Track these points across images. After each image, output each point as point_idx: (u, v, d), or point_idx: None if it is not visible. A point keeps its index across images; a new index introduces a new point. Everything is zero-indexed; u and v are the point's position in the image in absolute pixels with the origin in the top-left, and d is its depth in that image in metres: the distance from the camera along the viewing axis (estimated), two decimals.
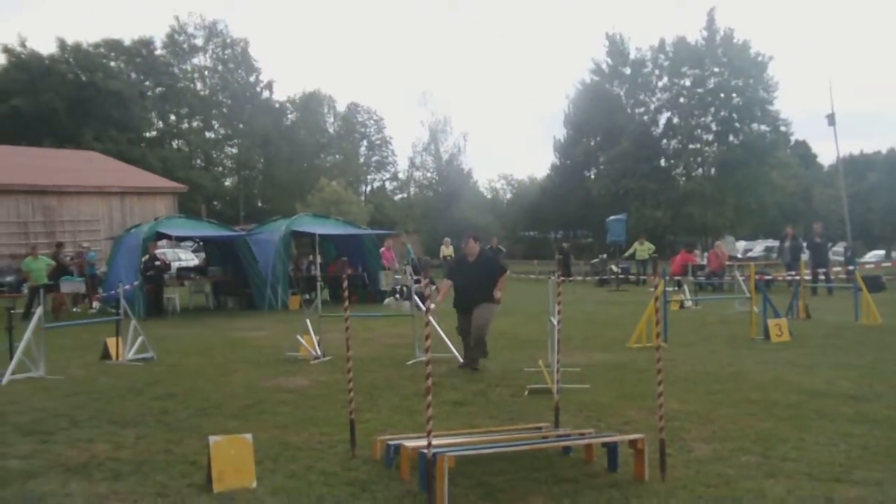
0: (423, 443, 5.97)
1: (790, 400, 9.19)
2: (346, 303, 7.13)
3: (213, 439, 6.05)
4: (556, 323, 8.97)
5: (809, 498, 5.73)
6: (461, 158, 67.35)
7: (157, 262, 21.21)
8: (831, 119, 34.82)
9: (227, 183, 77.04)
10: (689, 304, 21.80)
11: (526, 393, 9.78)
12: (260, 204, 75.04)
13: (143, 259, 20.99)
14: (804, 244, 28.06)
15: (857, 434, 7.54)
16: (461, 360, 11.83)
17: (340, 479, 6.22)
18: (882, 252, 53.52)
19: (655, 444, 6.26)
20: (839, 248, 36.21)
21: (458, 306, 11.89)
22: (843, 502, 5.64)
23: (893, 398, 9.23)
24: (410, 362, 12.20)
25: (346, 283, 7.43)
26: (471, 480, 6.09)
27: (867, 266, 29.31)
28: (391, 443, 6.56)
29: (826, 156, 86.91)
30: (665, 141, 58.43)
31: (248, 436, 6.27)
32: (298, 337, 13.19)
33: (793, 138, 62.17)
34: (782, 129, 55.78)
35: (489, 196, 72.57)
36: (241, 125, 73.89)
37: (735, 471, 6.41)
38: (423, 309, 13.12)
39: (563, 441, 6.52)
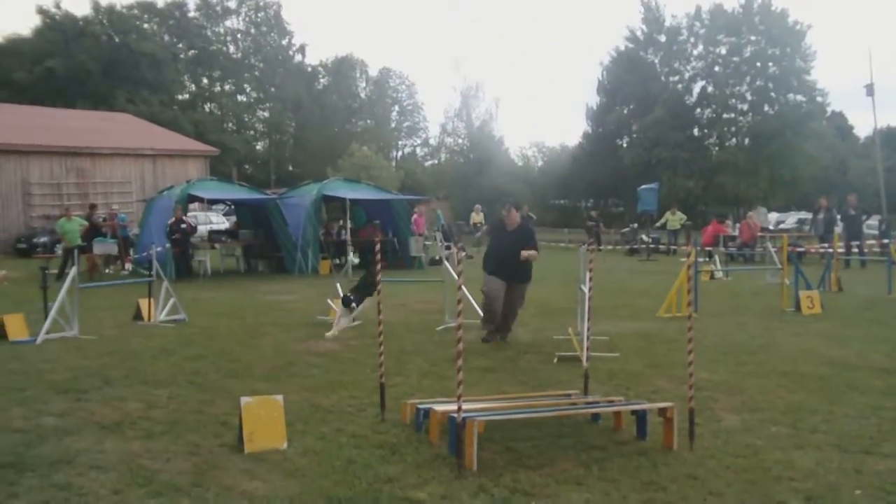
0: (453, 407, 6.01)
1: (821, 372, 9.15)
2: (379, 267, 7.18)
3: (244, 400, 6.12)
4: (586, 291, 8.97)
5: (838, 470, 5.71)
6: (493, 125, 66.76)
7: (184, 225, 21.25)
8: (870, 89, 34.41)
9: (258, 147, 77.19)
10: (719, 274, 21.69)
11: (555, 360, 9.80)
12: (291, 168, 75.10)
13: (168, 222, 21.10)
14: (838, 216, 27.76)
15: (887, 407, 7.49)
16: (482, 327, 11.47)
17: (370, 442, 6.28)
18: None
19: (684, 414, 6.26)
20: (873, 221, 35.75)
21: (492, 271, 11.32)
22: (873, 475, 5.62)
23: None
24: (440, 328, 12.23)
25: (378, 248, 7.46)
26: (499, 445, 6.13)
27: None
28: (421, 407, 6.61)
29: (862, 127, 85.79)
30: (699, 110, 57.89)
31: (280, 397, 6.33)
32: (329, 301, 13.25)
33: (829, 109, 61.33)
34: (818, 99, 55.04)
35: (520, 164, 72.09)
36: (272, 89, 73.90)
37: (764, 441, 6.40)
38: (455, 276, 13.16)
39: (592, 408, 6.53)
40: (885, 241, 24.22)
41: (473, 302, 12.31)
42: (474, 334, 11.32)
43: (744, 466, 5.78)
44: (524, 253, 10.99)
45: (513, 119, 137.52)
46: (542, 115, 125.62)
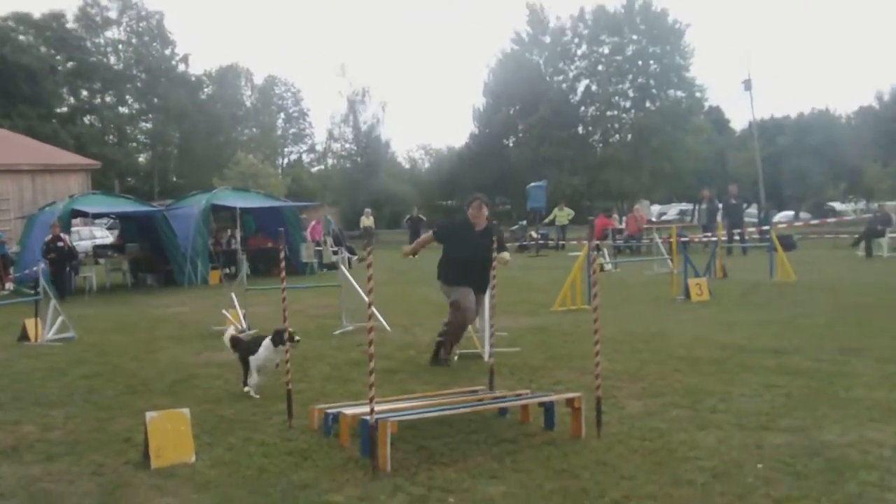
0: (363, 410, 6.00)
1: (714, 355, 9.45)
2: (283, 274, 7.16)
3: (149, 415, 5.96)
4: (487, 289, 9.09)
5: (740, 446, 5.90)
6: (380, 129, 66.87)
7: (60, 244, 20.37)
8: (747, 84, 35.64)
9: (141, 159, 75.27)
10: (609, 267, 22.16)
11: (455, 358, 9.84)
12: (175, 179, 73.47)
13: (46, 240, 20.24)
14: (720, 206, 28.70)
15: (779, 385, 7.80)
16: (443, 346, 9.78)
17: (280, 450, 6.20)
18: (791, 213, 55.02)
19: (590, 403, 6.38)
20: (753, 209, 37.08)
21: (460, 281, 9.77)
22: (772, 449, 5.83)
23: (811, 350, 9.56)
24: (338, 332, 12.19)
25: (283, 255, 7.40)
26: (411, 445, 6.13)
27: (780, 226, 30.10)
28: (329, 411, 6.56)
29: (738, 121, 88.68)
30: (583, 108, 59.10)
31: (186, 410, 6.19)
32: (224, 311, 13.03)
33: (707, 104, 63.31)
34: (697, 95, 56.89)
35: (407, 166, 72.43)
36: (155, 100, 72.11)
37: (667, 424, 6.57)
38: (351, 280, 13.12)
39: (501, 402, 6.59)
40: (766, 227, 25.13)
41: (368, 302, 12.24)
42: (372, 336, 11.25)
43: (651, 449, 5.92)
44: (504, 255, 9.76)
45: (400, 122, 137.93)
46: (429, 117, 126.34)
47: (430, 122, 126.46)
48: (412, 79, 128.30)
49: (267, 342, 7.96)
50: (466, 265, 9.63)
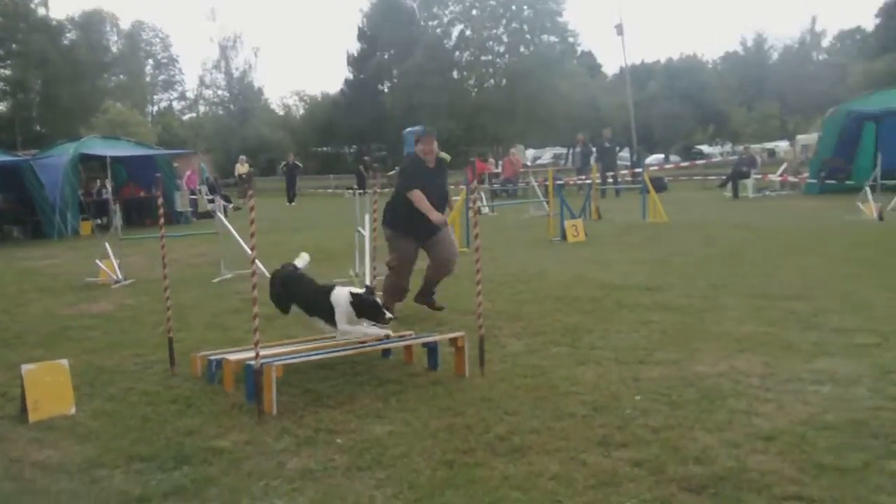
0: (247, 355, 5.95)
1: (591, 294, 9.69)
2: (162, 220, 7.00)
3: (25, 367, 5.75)
4: (365, 234, 9.05)
5: (618, 380, 6.08)
6: (252, 75, 65.64)
7: None
8: (619, 29, 36.18)
9: (0, 107, 71.74)
10: (486, 210, 22.41)
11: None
12: (39, 128, 70.36)
13: None
14: (593, 149, 29.29)
15: (654, 321, 8.06)
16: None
17: (163, 398, 6.09)
18: (661, 156, 56.60)
19: (472, 342, 6.47)
20: (625, 152, 37.94)
21: (407, 229, 8.89)
22: (649, 381, 6.03)
23: (683, 287, 9.91)
24: (216, 280, 12.03)
25: (160, 202, 7.21)
26: (297, 388, 6.12)
27: (651, 169, 30.94)
28: (212, 358, 6.48)
29: (610, 66, 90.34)
30: (458, 53, 59.14)
31: (64, 361, 6.01)
32: (97, 262, 12.66)
33: (580, 49, 64.22)
34: (570, 40, 57.72)
35: (282, 113, 71.37)
36: (14, 45, 68.59)
37: (548, 361, 6.73)
38: (229, 227, 12.92)
39: (384, 344, 6.62)
40: (639, 170, 25.79)
41: (248, 250, 12.08)
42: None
43: (533, 385, 6.06)
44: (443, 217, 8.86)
45: (273, 68, 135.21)
46: (303, 63, 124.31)
47: (304, 68, 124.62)
48: (285, 24, 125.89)
49: (345, 303, 6.47)
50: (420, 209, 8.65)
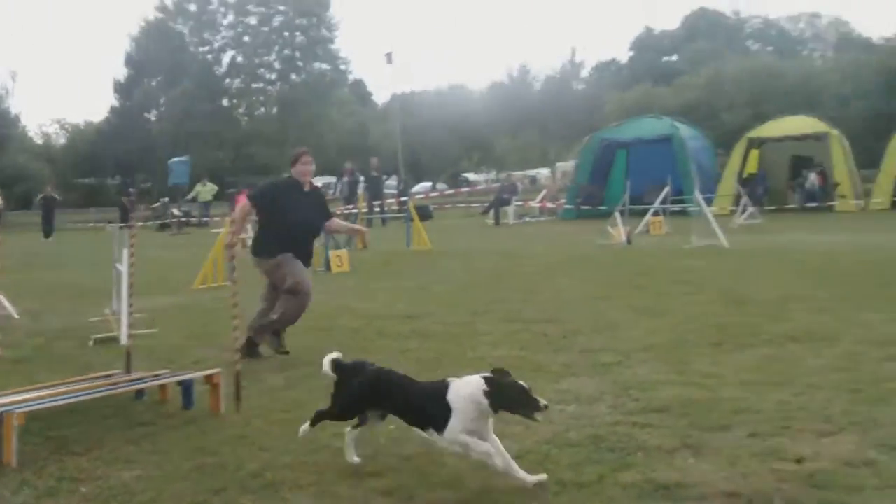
0: None
1: (354, 325, 9.88)
2: None
3: None
4: (124, 270, 8.80)
5: None
6: (9, 101, 61.87)
7: None
8: (389, 58, 36.76)
9: None
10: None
11: (91, 343, 9.47)
12: None
13: None
14: (361, 178, 29.64)
15: (412, 349, 8.34)
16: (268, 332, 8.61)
17: None
18: (429, 184, 57.99)
19: (229, 378, 6.42)
20: (393, 181, 38.55)
21: (295, 251, 8.51)
22: None
23: (443, 315, 10.27)
24: None
25: None
26: (40, 437, 5.83)
27: (417, 197, 31.65)
28: None
29: (380, 95, 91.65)
30: (228, 80, 58.48)
31: None
32: None
33: (351, 77, 64.92)
34: (342, 67, 58.31)
35: (41, 142, 67.78)
36: None
37: (307, 394, 6.75)
38: None
39: (136, 385, 6.44)
40: (404, 199, 26.32)
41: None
42: None
43: (289, 420, 6.05)
44: (355, 226, 8.72)
45: (32, 94, 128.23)
46: (65, 90, 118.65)
47: (67, 94, 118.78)
48: (46, 47, 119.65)
49: (471, 397, 4.61)
50: (298, 232, 8.49)
